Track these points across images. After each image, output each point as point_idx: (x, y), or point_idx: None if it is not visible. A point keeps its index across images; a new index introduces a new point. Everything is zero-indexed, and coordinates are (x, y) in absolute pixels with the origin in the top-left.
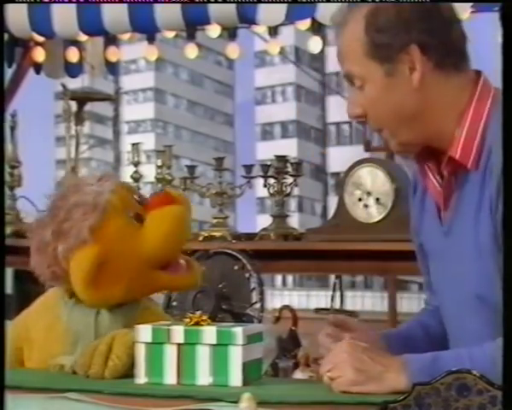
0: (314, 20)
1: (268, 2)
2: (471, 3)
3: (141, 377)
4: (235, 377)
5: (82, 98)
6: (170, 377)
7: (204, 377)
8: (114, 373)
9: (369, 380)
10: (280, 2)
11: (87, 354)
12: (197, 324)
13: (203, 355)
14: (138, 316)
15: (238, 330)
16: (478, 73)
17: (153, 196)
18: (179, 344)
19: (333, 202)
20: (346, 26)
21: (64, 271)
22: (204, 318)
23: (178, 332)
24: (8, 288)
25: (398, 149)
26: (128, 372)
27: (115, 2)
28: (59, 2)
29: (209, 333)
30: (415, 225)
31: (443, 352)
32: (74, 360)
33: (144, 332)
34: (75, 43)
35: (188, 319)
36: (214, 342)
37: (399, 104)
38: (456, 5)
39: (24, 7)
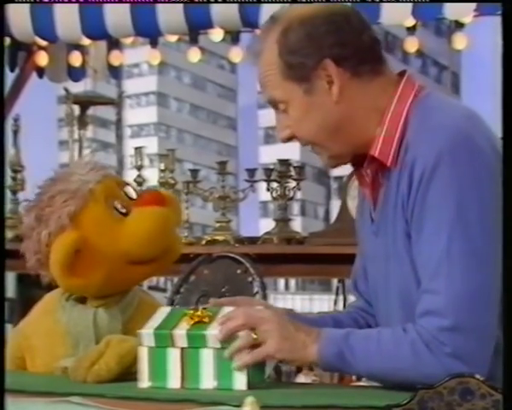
0: None
1: (269, 2)
2: (473, 8)
3: (144, 382)
4: (240, 381)
5: (85, 102)
6: (173, 381)
7: (208, 381)
8: (96, 378)
9: (293, 349)
10: (280, 3)
11: (78, 359)
12: (200, 321)
13: (207, 359)
14: (136, 311)
15: (242, 334)
16: (402, 74)
17: (143, 193)
18: (183, 348)
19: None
20: (262, 54)
21: (46, 257)
22: (206, 314)
23: (181, 337)
24: (12, 292)
25: (331, 163)
26: (114, 379)
27: (117, 2)
28: (59, 3)
29: (212, 337)
30: (357, 230)
31: (356, 329)
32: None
33: (147, 337)
34: (78, 47)
35: (189, 318)
36: (218, 346)
37: (323, 120)
38: (459, 8)
39: (27, 11)
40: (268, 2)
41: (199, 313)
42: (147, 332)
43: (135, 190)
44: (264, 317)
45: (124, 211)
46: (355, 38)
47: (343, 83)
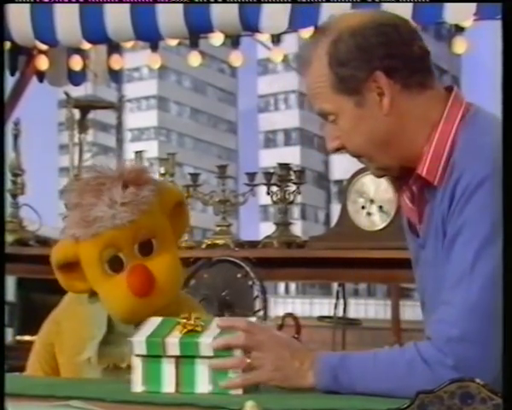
0: (317, 28)
1: (269, 3)
2: (473, 12)
3: (138, 386)
4: None
5: (85, 106)
6: (168, 386)
7: (203, 386)
8: None
9: (286, 378)
10: (281, 3)
11: None
12: (193, 330)
13: (202, 364)
14: None
15: (237, 355)
16: (449, 90)
17: (137, 270)
18: (178, 353)
19: (336, 209)
20: (311, 65)
21: None
22: (198, 323)
23: (174, 344)
24: (12, 296)
25: (379, 174)
26: None
27: (117, 3)
28: (59, 3)
29: (205, 346)
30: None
31: (352, 352)
32: None
33: (139, 345)
34: (78, 51)
35: (181, 327)
36: (210, 354)
37: (373, 132)
38: (459, 12)
39: (27, 15)
40: (268, 2)
41: (191, 321)
42: (139, 340)
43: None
44: (263, 342)
45: (121, 266)
46: (405, 49)
47: (393, 95)
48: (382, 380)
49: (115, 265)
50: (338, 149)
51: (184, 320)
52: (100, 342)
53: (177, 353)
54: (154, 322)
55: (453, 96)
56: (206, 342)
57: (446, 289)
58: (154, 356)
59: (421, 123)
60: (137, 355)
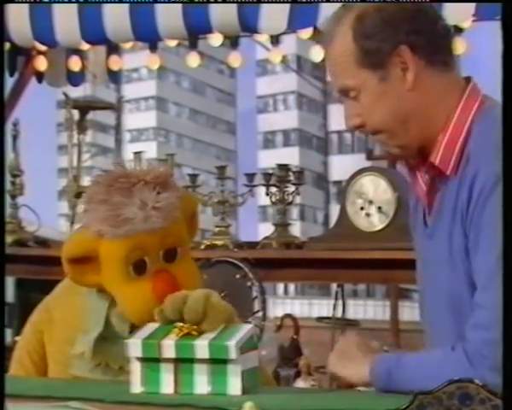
0: (316, 29)
1: (269, 2)
2: (472, 13)
3: (137, 387)
4: (234, 386)
5: (84, 107)
6: (167, 387)
7: (202, 386)
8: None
9: (346, 365)
10: (281, 3)
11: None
12: (188, 334)
13: (200, 365)
14: None
15: (231, 344)
16: (468, 80)
17: (162, 275)
18: (176, 354)
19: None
20: (334, 40)
21: None
22: (195, 328)
23: (170, 347)
24: (11, 297)
25: (397, 152)
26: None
27: (117, 3)
28: (59, 3)
29: (201, 348)
30: (411, 229)
31: (411, 352)
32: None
33: (135, 346)
34: (77, 51)
35: (178, 330)
36: (206, 356)
37: (396, 107)
38: (458, 13)
39: (26, 16)
40: (267, 3)
41: (187, 325)
42: (134, 342)
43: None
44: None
45: (144, 269)
46: (430, 27)
47: (417, 70)
48: (433, 380)
49: (139, 268)
50: (358, 127)
51: (181, 324)
52: (95, 338)
53: (173, 355)
54: (152, 326)
55: (471, 86)
56: (202, 344)
57: (477, 292)
58: (149, 357)
59: (441, 104)
60: (134, 357)
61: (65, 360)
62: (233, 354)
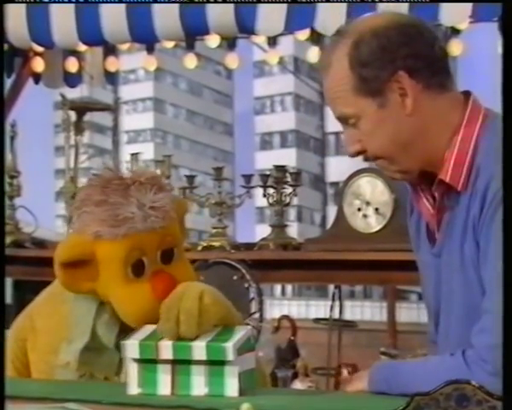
0: (313, 30)
1: (266, 3)
2: (469, 14)
3: (134, 388)
4: (231, 388)
5: (81, 108)
6: (164, 389)
7: (199, 388)
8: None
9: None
10: (279, 3)
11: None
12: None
13: (197, 366)
14: None
15: (228, 346)
16: (467, 94)
17: (161, 275)
18: (173, 356)
19: (332, 211)
20: (331, 68)
21: None
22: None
23: (167, 347)
24: (8, 298)
25: (399, 177)
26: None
27: (113, 3)
28: (59, 3)
29: (198, 349)
30: (413, 245)
31: (405, 360)
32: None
33: (132, 348)
34: (74, 53)
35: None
36: (204, 358)
37: (396, 133)
38: (455, 14)
39: (23, 17)
40: (267, 3)
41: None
42: (132, 343)
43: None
44: None
45: (142, 270)
46: (427, 50)
47: (416, 95)
48: (431, 385)
49: (137, 269)
50: (359, 153)
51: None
52: (81, 348)
53: (171, 356)
54: (149, 329)
55: (472, 100)
56: (199, 345)
57: (485, 298)
58: (146, 358)
59: (442, 125)
60: (131, 358)
61: (48, 369)
62: (230, 356)
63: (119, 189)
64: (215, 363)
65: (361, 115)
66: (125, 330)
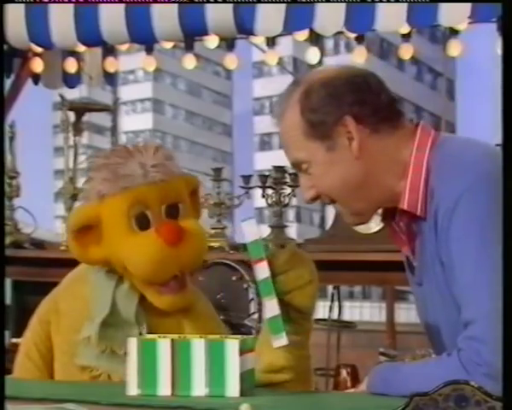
0: (312, 31)
1: (268, 2)
2: (468, 15)
3: (133, 389)
4: (232, 388)
5: (80, 109)
6: (164, 389)
7: (200, 388)
8: None
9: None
10: (279, 3)
11: None
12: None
13: (198, 366)
14: None
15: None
16: (416, 125)
17: (165, 224)
18: (172, 355)
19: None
20: (284, 115)
21: None
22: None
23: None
24: (7, 298)
25: (354, 220)
26: None
27: (115, 3)
28: (58, 3)
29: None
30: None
31: (410, 362)
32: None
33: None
34: (73, 53)
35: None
36: (203, 354)
37: (345, 175)
38: (454, 15)
39: (22, 17)
40: (266, 3)
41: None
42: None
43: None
44: None
45: (147, 224)
46: (374, 98)
47: (363, 139)
48: (430, 385)
49: (142, 223)
50: (314, 199)
51: None
52: (101, 322)
53: (170, 354)
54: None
55: (420, 128)
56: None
57: (463, 311)
58: (147, 357)
59: (392, 163)
60: (131, 357)
61: (71, 349)
62: (231, 353)
63: (121, 152)
64: (216, 363)
65: (311, 160)
66: (144, 306)
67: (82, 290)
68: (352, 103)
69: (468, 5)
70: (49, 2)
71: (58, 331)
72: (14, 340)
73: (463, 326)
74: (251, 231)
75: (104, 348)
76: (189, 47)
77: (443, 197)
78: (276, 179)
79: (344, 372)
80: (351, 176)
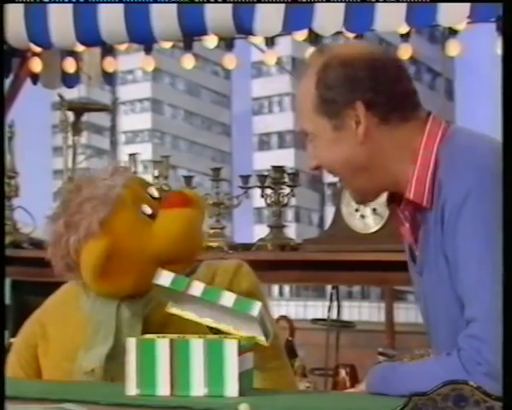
0: (311, 31)
1: (267, 2)
2: (467, 15)
3: (132, 389)
4: (231, 388)
5: (79, 109)
6: (163, 389)
7: (198, 388)
8: None
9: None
10: (278, 3)
11: None
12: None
13: (197, 366)
14: (156, 306)
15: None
16: (428, 113)
17: (168, 195)
18: (171, 355)
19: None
20: (302, 81)
21: (76, 263)
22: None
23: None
24: (6, 298)
25: (355, 196)
26: None
27: (114, 3)
28: (58, 3)
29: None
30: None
31: (409, 362)
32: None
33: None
34: (72, 53)
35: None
36: (201, 354)
37: (347, 156)
38: (453, 15)
39: (21, 17)
40: (265, 3)
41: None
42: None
43: (158, 190)
44: None
45: (150, 213)
46: (390, 87)
47: (370, 126)
48: (429, 384)
49: (149, 215)
50: (316, 168)
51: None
52: (106, 354)
53: (168, 353)
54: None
55: (431, 119)
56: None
57: (466, 309)
58: (145, 357)
59: (400, 150)
60: (130, 357)
61: (67, 377)
62: (229, 352)
63: (89, 185)
64: (214, 363)
65: (317, 134)
66: (150, 317)
67: (73, 316)
68: (366, 90)
69: (468, 5)
70: (49, 2)
71: (46, 356)
72: (13, 340)
73: (466, 324)
74: None
75: (108, 380)
76: (187, 47)
77: (451, 192)
78: (274, 179)
79: (343, 372)
80: (353, 158)
